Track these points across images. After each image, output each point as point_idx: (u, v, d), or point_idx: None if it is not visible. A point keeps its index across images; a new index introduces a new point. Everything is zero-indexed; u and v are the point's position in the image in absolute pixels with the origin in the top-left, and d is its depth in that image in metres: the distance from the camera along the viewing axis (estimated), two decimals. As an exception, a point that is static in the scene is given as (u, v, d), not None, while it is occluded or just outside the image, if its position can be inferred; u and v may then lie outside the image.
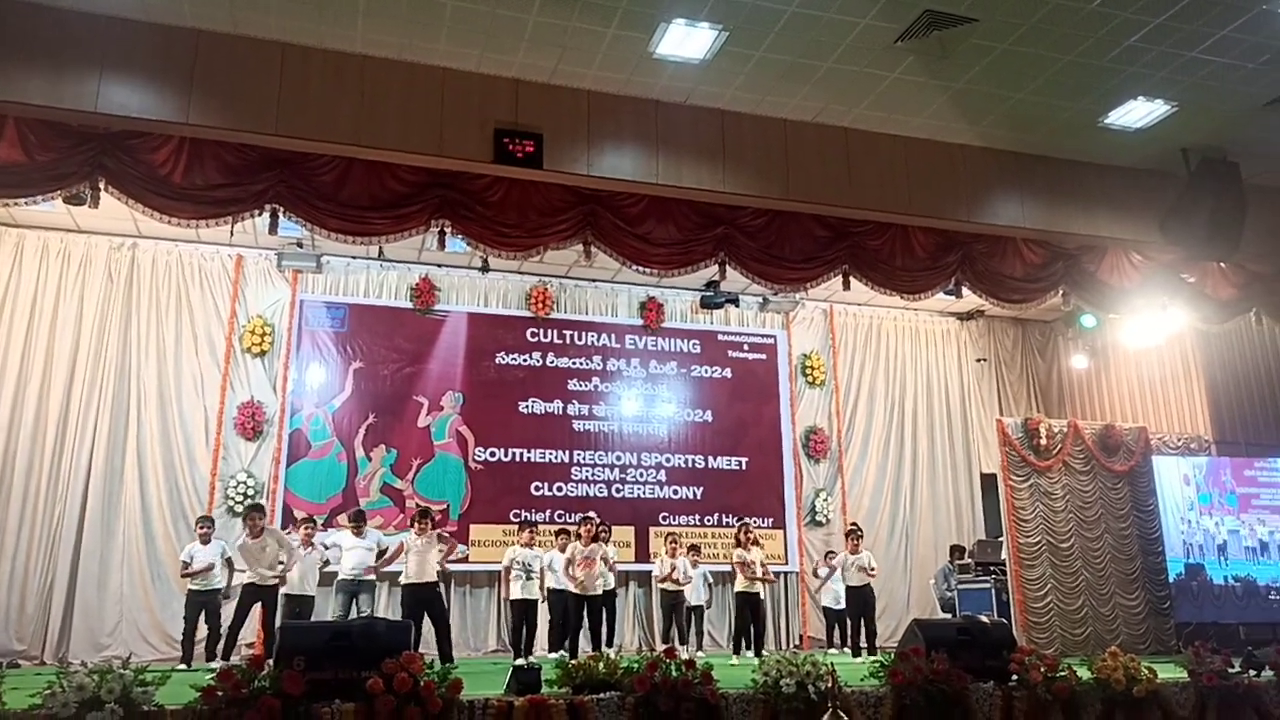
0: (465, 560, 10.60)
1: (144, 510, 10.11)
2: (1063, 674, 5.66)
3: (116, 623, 9.77)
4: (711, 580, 10.63)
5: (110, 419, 10.17)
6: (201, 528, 9.02)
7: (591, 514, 9.96)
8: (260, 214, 7.89)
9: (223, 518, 9.99)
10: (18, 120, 7.16)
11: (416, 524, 8.52)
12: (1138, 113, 8.65)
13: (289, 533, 9.46)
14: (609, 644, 9.39)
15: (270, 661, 4.47)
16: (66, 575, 9.71)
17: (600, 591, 9.10)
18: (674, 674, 4.86)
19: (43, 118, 7.17)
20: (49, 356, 10.09)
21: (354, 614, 8.87)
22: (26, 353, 10.01)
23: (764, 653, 8.68)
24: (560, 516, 11.22)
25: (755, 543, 10.03)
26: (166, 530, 10.10)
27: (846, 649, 10.34)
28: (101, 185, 7.46)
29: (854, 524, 10.93)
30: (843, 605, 10.60)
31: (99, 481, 10.01)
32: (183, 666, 8.26)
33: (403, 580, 8.43)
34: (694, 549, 10.40)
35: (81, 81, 7.04)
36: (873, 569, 10.06)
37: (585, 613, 9.03)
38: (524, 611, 9.16)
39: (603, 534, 9.53)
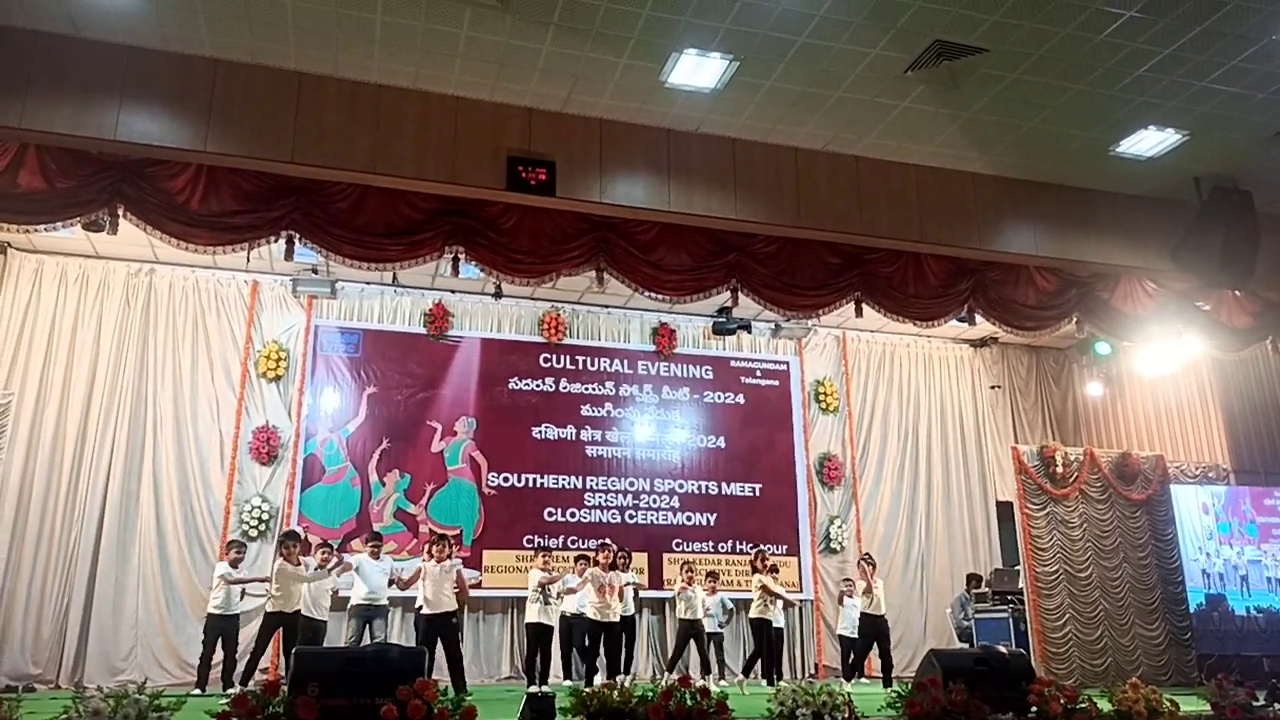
0: (479, 586, 10.56)
1: (159, 535, 10.14)
2: (1083, 705, 5.60)
3: (131, 647, 9.77)
4: (732, 606, 10.52)
5: (126, 443, 10.23)
6: (235, 552, 9.06)
7: (608, 541, 9.92)
8: (276, 240, 7.98)
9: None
10: (39, 148, 7.30)
11: (435, 551, 8.27)
12: (1149, 141, 8.66)
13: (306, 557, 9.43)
14: (625, 671, 9.36)
15: (285, 687, 4.46)
16: (82, 599, 9.73)
17: (618, 619, 9.05)
18: (689, 703, 4.83)
19: (64, 145, 7.30)
20: (67, 381, 10.18)
21: (367, 639, 8.84)
22: (45, 377, 10.10)
23: (781, 681, 8.58)
24: (574, 542, 11.20)
25: (773, 569, 9.99)
26: (181, 555, 10.13)
27: (860, 678, 10.20)
28: (120, 212, 7.57)
29: (866, 554, 10.81)
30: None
31: (115, 506, 10.06)
32: (197, 692, 8.25)
33: (419, 608, 8.35)
34: (712, 575, 10.29)
35: (102, 110, 7.15)
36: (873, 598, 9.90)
37: (602, 640, 8.97)
38: (540, 636, 9.10)
39: (621, 560, 9.48)
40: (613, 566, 9.13)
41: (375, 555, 9.27)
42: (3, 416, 9.10)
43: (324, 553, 9.13)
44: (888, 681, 9.35)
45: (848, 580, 11.16)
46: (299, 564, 8.77)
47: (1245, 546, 10.63)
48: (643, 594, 10.99)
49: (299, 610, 8.70)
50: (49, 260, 10.41)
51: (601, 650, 9.03)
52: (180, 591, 9.98)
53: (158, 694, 4.25)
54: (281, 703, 4.30)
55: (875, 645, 9.89)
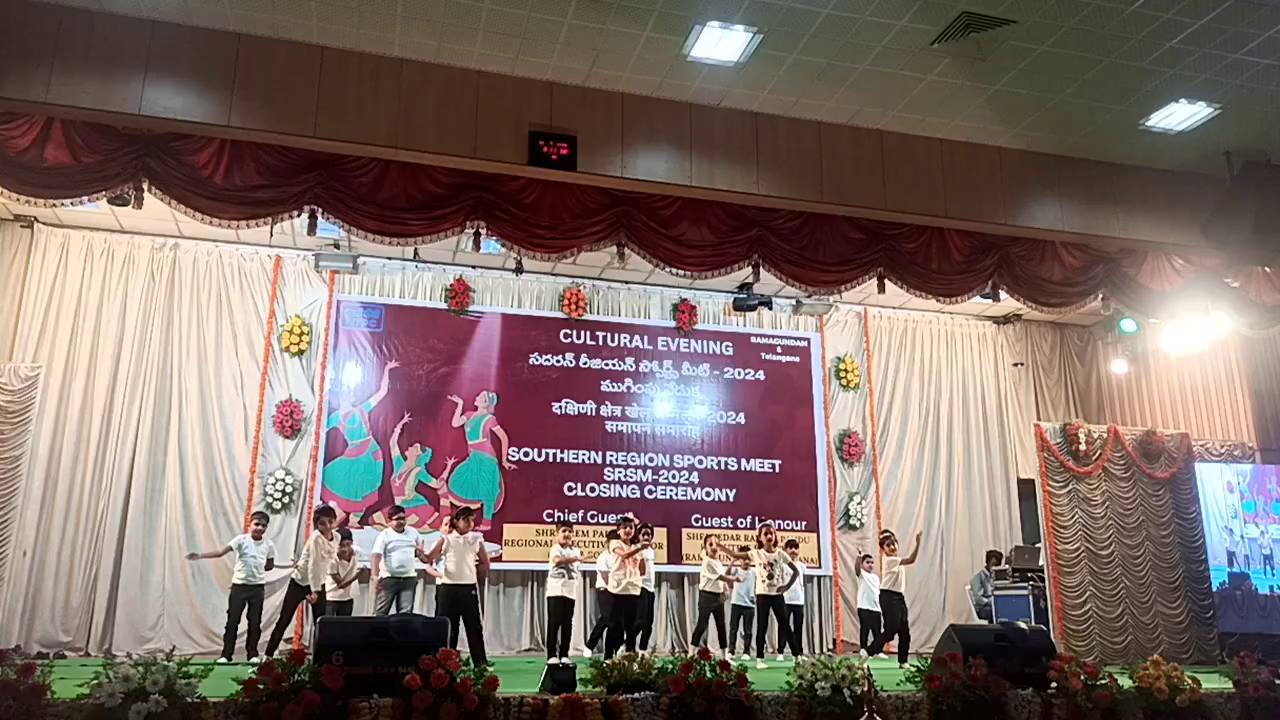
0: (499, 559, 10.66)
1: (185, 506, 10.29)
2: (1104, 682, 5.59)
3: (158, 616, 9.95)
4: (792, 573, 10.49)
5: (152, 417, 10.36)
6: (258, 524, 9.15)
7: (630, 515, 9.97)
8: (299, 215, 8.01)
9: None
10: (64, 123, 7.34)
11: (460, 523, 8.32)
12: (1180, 115, 8.52)
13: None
14: (643, 645, 9.43)
15: (310, 656, 4.53)
16: (110, 569, 9.91)
17: (639, 591, 9.11)
18: (708, 675, 4.86)
19: (89, 120, 7.34)
20: (93, 354, 10.31)
21: (394, 611, 8.96)
22: (72, 351, 10.23)
23: (800, 655, 8.60)
24: (594, 517, 11.27)
25: (791, 544, 9.99)
26: (207, 526, 10.27)
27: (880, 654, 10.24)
28: (145, 186, 7.62)
29: (886, 530, 10.78)
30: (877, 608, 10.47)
31: (141, 478, 10.20)
32: (223, 660, 8.39)
33: (440, 580, 8.43)
34: (745, 550, 10.22)
35: (126, 85, 7.19)
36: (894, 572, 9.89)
37: (623, 614, 9.05)
38: (561, 610, 9.15)
39: (644, 536, 9.52)
40: (634, 540, 9.16)
41: (400, 529, 9.37)
42: (31, 390, 9.22)
43: (345, 542, 9.12)
44: (903, 658, 9.35)
45: (867, 556, 11.15)
46: (333, 539, 8.88)
47: (1270, 525, 10.55)
48: (662, 568, 11.03)
49: (325, 585, 8.82)
50: (75, 235, 10.51)
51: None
52: (206, 563, 10.08)
53: (185, 661, 4.31)
54: (307, 670, 4.36)
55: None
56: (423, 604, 10.12)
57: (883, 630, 10.04)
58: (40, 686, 4.11)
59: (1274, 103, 8.28)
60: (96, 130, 7.41)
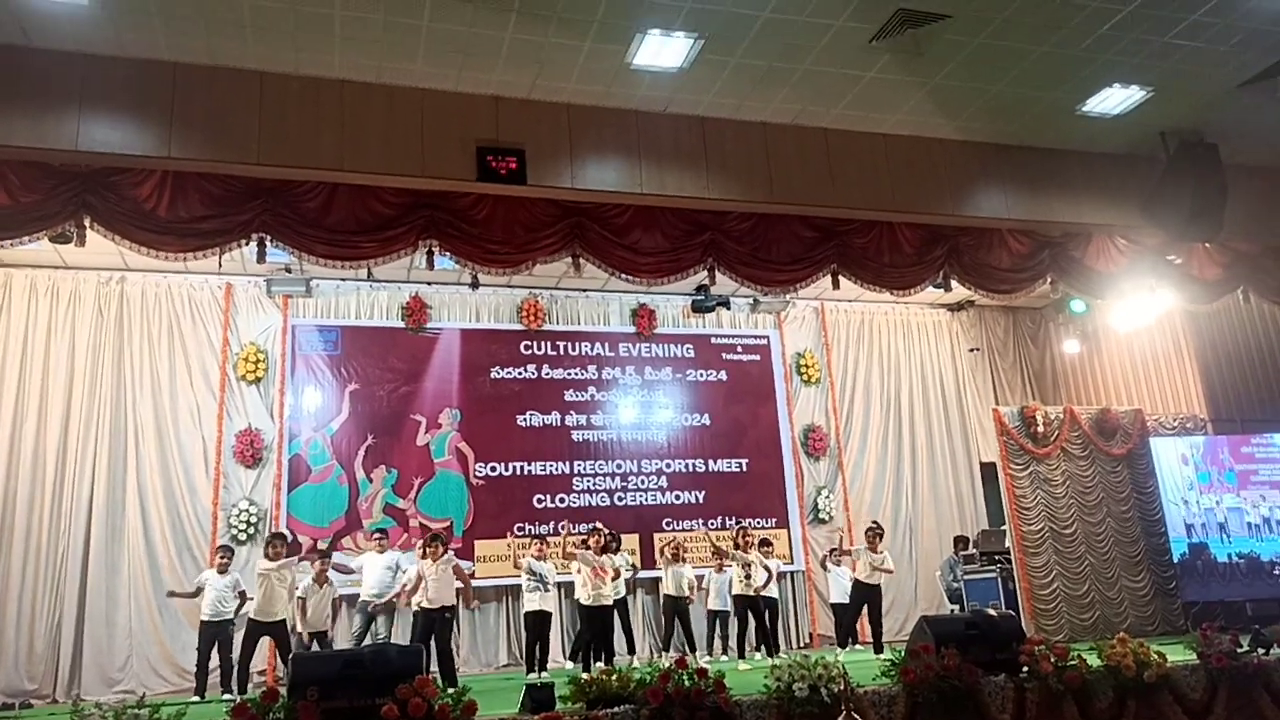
0: (473, 576, 10.58)
1: (148, 543, 10.09)
2: (1073, 663, 5.70)
3: (127, 657, 9.75)
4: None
5: (109, 453, 10.16)
6: (222, 557, 8.95)
7: (599, 525, 9.97)
8: (247, 244, 7.91)
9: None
10: (0, 163, 7.17)
11: (428, 549, 8.40)
12: (1114, 99, 8.71)
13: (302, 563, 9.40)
14: (630, 652, 9.46)
15: (284, 692, 4.48)
16: (74, 612, 9.68)
17: (609, 602, 9.10)
18: (686, 684, 4.88)
19: (24, 159, 7.18)
20: (44, 394, 10.07)
21: (368, 638, 8.86)
22: (21, 391, 9.98)
23: (778, 654, 8.67)
24: (564, 528, 11.20)
25: (764, 543, 10.06)
26: (171, 562, 10.09)
27: (854, 645, 10.34)
28: (87, 223, 7.48)
29: (875, 522, 10.80)
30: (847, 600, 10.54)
31: (101, 516, 9.99)
32: (196, 699, 8.25)
33: (418, 604, 8.40)
34: (718, 553, 10.14)
35: (61, 121, 7.04)
36: (888, 569, 10.02)
37: (595, 624, 9.03)
38: (539, 624, 9.12)
39: (612, 545, 9.52)
40: (604, 550, 9.16)
41: (381, 551, 9.28)
42: (-19, 434, 9.01)
43: (320, 563, 8.99)
44: (878, 648, 9.46)
45: (834, 549, 11.17)
46: (284, 562, 8.67)
47: (1225, 495, 10.82)
48: (636, 574, 11.05)
49: (284, 619, 8.58)
50: (18, 273, 10.26)
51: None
52: (173, 599, 9.93)
53: (158, 705, 4.24)
54: (282, 708, 4.32)
55: (866, 611, 10.02)
56: (399, 630, 10.03)
57: (868, 622, 10.03)
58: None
59: (1204, 83, 8.50)
60: (33, 168, 7.25)
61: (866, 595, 9.96)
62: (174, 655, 9.79)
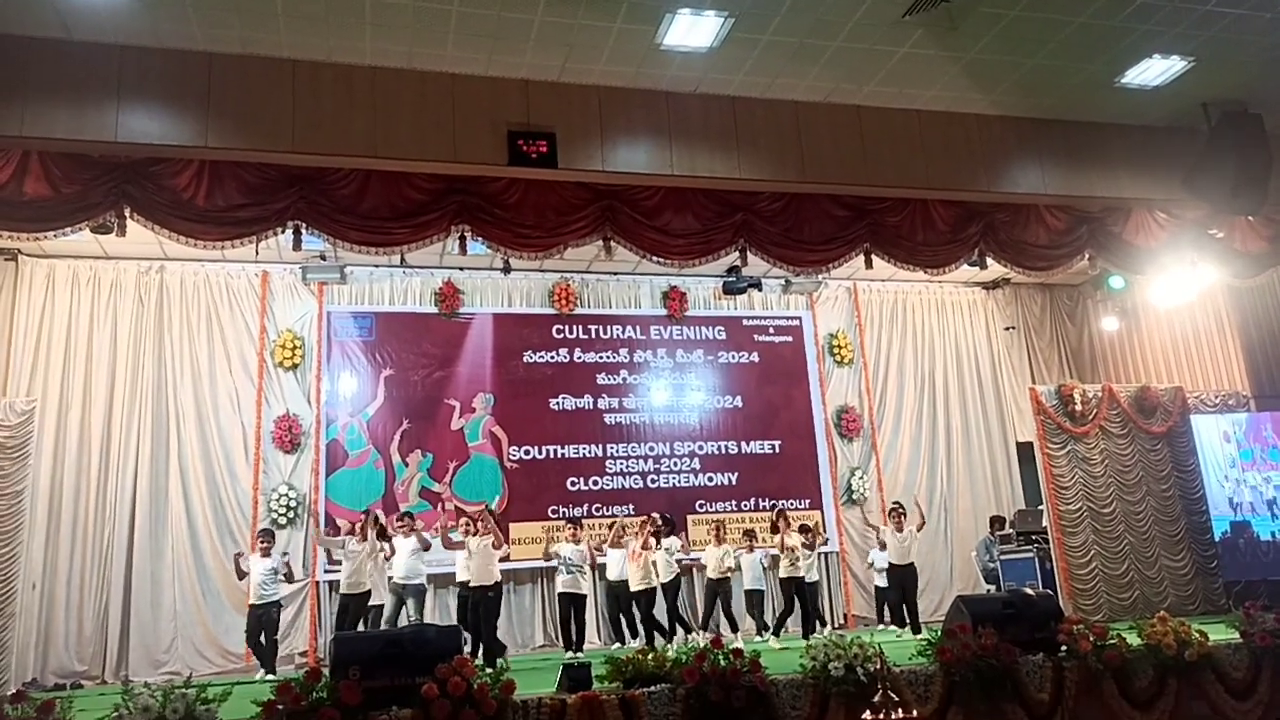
0: (507, 559, 10.70)
1: (190, 528, 10.30)
2: (1113, 642, 5.65)
3: (172, 639, 9.97)
4: (767, 565, 10.58)
5: (151, 440, 10.36)
6: (263, 541, 9.12)
7: (653, 515, 10.06)
8: (283, 231, 7.99)
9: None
10: (42, 155, 7.30)
11: (479, 526, 8.79)
12: (1155, 70, 8.52)
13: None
14: (672, 635, 9.57)
15: (326, 672, 4.56)
16: (120, 596, 9.92)
17: (648, 586, 9.24)
18: (722, 663, 4.90)
19: (65, 150, 7.29)
20: (87, 382, 10.29)
21: (403, 618, 8.98)
22: (65, 380, 10.21)
23: (813, 636, 8.70)
24: (598, 510, 11.32)
25: (802, 528, 10.09)
26: (214, 546, 10.29)
27: (891, 625, 10.33)
28: (127, 213, 7.59)
29: (896, 502, 10.82)
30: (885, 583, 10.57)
31: (145, 502, 10.21)
32: (271, 676, 8.34)
33: (466, 580, 8.65)
34: (749, 534, 10.26)
35: (101, 113, 7.14)
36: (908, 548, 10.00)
37: (634, 604, 9.23)
38: (569, 605, 9.24)
39: (663, 531, 9.64)
40: (655, 536, 9.32)
41: (408, 534, 9.37)
42: (28, 424, 9.20)
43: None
44: (915, 629, 9.43)
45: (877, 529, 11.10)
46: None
47: (1270, 472, 10.62)
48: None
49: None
50: (60, 264, 10.47)
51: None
52: (215, 582, 10.16)
53: (204, 686, 4.34)
54: (325, 687, 4.39)
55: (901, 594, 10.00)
56: (433, 610, 10.16)
57: (902, 603, 10.02)
58: (61, 723, 4.14)
59: (1247, 52, 8.29)
60: (74, 160, 7.37)
61: (898, 577, 9.92)
62: (218, 637, 10.00)
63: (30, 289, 10.33)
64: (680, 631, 9.78)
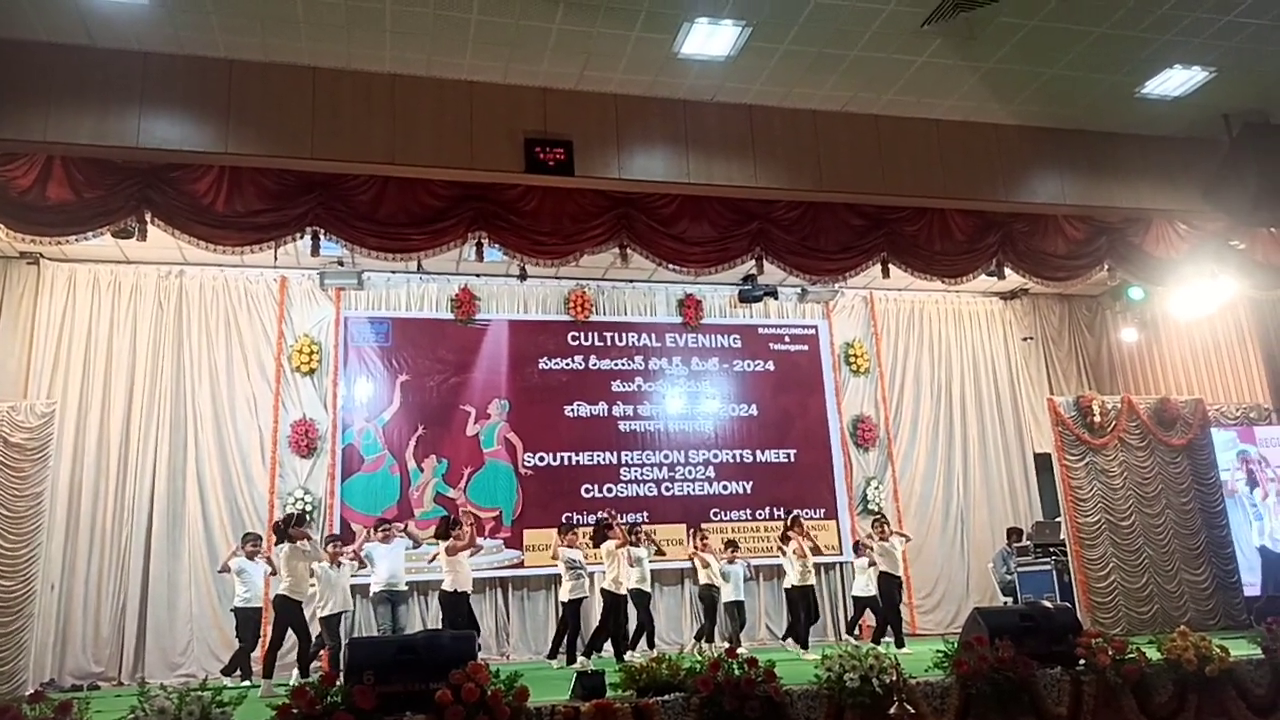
0: (520, 565, 10.77)
1: (206, 531, 10.36)
2: (1132, 656, 5.58)
3: (188, 642, 10.02)
4: (749, 575, 10.50)
5: (169, 443, 10.43)
6: (252, 544, 9.17)
7: (604, 514, 10.05)
8: (301, 237, 8.05)
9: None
10: (64, 160, 7.39)
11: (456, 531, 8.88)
12: (1175, 81, 8.48)
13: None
14: (649, 645, 9.45)
15: (341, 677, 4.56)
16: (138, 598, 9.98)
17: (623, 592, 9.24)
18: (737, 673, 4.87)
19: (88, 156, 7.39)
20: (107, 385, 10.37)
21: (368, 625, 9.01)
22: (85, 383, 10.29)
23: (809, 645, 8.67)
24: (613, 517, 11.27)
25: (804, 534, 10.00)
26: (230, 549, 10.26)
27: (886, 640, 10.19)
28: (148, 218, 7.67)
29: (879, 513, 10.78)
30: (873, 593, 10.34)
31: (162, 505, 10.28)
32: (263, 681, 8.34)
33: (451, 588, 8.70)
34: (731, 544, 10.21)
35: (123, 118, 7.24)
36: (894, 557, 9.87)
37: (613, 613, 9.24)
38: (575, 612, 9.23)
39: (636, 536, 9.62)
40: (624, 540, 9.31)
41: (386, 540, 9.31)
42: (48, 426, 9.26)
43: (333, 546, 8.90)
44: (899, 643, 9.22)
45: (861, 540, 10.94)
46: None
47: (1291, 487, 10.50)
48: (683, 564, 11.04)
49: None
50: (81, 268, 10.57)
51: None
52: (230, 586, 10.15)
53: (220, 689, 4.35)
54: (339, 692, 4.40)
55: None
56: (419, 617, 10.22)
57: (886, 615, 9.88)
58: (78, 724, 4.16)
59: (1270, 63, 8.24)
60: (96, 165, 7.46)
61: (885, 587, 9.75)
62: (233, 640, 9.94)
63: (52, 293, 10.43)
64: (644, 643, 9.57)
